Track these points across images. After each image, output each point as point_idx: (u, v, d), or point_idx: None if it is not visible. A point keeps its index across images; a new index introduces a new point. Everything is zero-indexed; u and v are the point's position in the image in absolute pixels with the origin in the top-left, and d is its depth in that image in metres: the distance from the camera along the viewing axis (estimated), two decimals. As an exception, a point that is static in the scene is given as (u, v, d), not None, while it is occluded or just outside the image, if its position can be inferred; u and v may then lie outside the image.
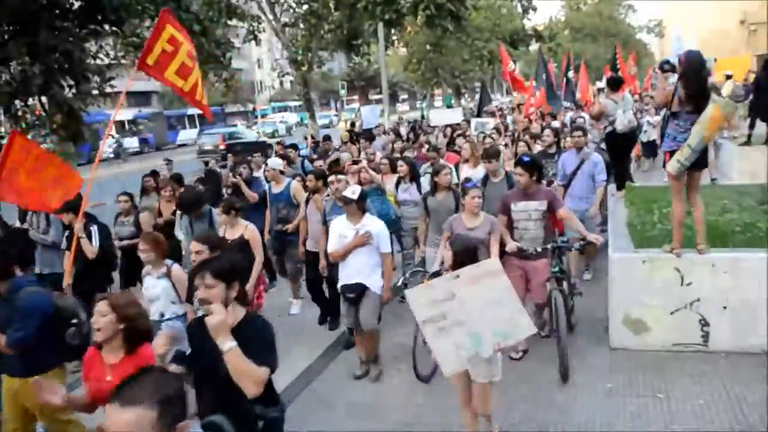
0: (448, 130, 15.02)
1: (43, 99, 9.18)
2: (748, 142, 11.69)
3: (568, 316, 5.64)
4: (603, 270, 6.47)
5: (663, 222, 6.61)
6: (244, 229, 5.95)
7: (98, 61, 10.00)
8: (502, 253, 5.51)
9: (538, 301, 5.66)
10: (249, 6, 22.49)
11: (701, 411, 4.67)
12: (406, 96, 70.27)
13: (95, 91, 9.92)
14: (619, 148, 8.84)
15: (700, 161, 5.35)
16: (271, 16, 21.39)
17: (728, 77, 14.74)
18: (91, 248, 6.23)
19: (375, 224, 5.47)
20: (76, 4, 9.11)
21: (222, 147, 25.34)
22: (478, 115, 18.10)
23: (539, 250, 5.47)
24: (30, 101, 9.35)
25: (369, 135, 16.41)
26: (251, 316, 3.05)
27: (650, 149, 14.61)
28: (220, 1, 19.98)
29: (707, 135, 5.18)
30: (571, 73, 22.17)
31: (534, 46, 42.35)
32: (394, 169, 8.12)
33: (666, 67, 5.69)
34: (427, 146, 11.06)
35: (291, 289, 7.72)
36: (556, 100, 17.22)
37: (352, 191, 5.37)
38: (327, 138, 15.07)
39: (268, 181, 8.24)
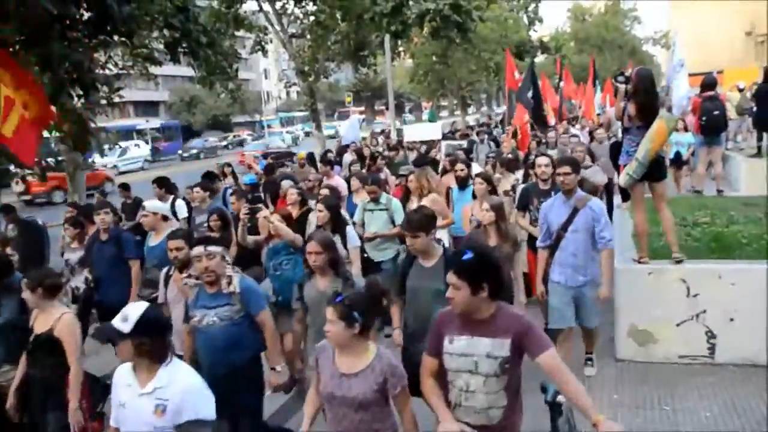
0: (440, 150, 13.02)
1: (53, 108, 9.27)
2: (758, 154, 11.68)
3: None
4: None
5: (669, 233, 6.60)
6: (57, 319, 4.07)
7: (107, 71, 10.10)
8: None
9: None
10: (256, 17, 22.71)
11: (708, 423, 4.64)
12: (412, 106, 70.49)
13: (104, 101, 10.02)
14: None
15: (657, 173, 5.59)
16: (278, 27, 21.56)
17: (740, 90, 14.75)
18: None
19: (179, 386, 2.82)
20: (86, 15, 9.21)
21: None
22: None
23: None
24: (39, 111, 9.43)
25: (342, 152, 13.83)
26: None
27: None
28: (227, 13, 20.22)
29: (653, 148, 5.39)
30: (563, 83, 22.00)
31: (540, 58, 42.52)
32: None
33: (620, 78, 5.88)
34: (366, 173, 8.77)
35: None
36: (541, 121, 14.44)
37: (125, 317, 2.81)
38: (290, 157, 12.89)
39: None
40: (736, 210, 7.71)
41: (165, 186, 8.54)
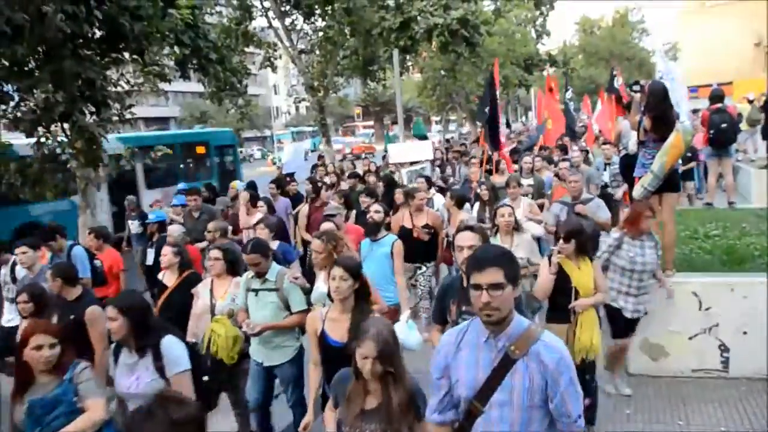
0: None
1: (65, 125, 9.38)
2: None
3: None
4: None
5: (680, 246, 6.56)
6: None
7: (119, 89, 10.21)
8: None
9: None
10: (266, 33, 22.93)
11: (723, 438, 4.59)
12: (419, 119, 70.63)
13: (115, 118, 10.13)
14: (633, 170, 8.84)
15: (671, 185, 5.63)
16: (287, 43, 21.73)
17: (750, 101, 14.70)
18: None
19: None
20: (99, 33, 9.35)
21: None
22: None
23: None
24: (52, 128, 9.55)
25: (282, 183, 10.11)
26: None
27: None
28: (237, 29, 20.44)
29: (668, 161, 5.42)
30: (569, 94, 21.47)
31: (549, 71, 42.58)
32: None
33: (636, 88, 5.88)
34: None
35: None
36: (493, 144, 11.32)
37: None
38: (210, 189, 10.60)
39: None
40: (748, 222, 7.64)
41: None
